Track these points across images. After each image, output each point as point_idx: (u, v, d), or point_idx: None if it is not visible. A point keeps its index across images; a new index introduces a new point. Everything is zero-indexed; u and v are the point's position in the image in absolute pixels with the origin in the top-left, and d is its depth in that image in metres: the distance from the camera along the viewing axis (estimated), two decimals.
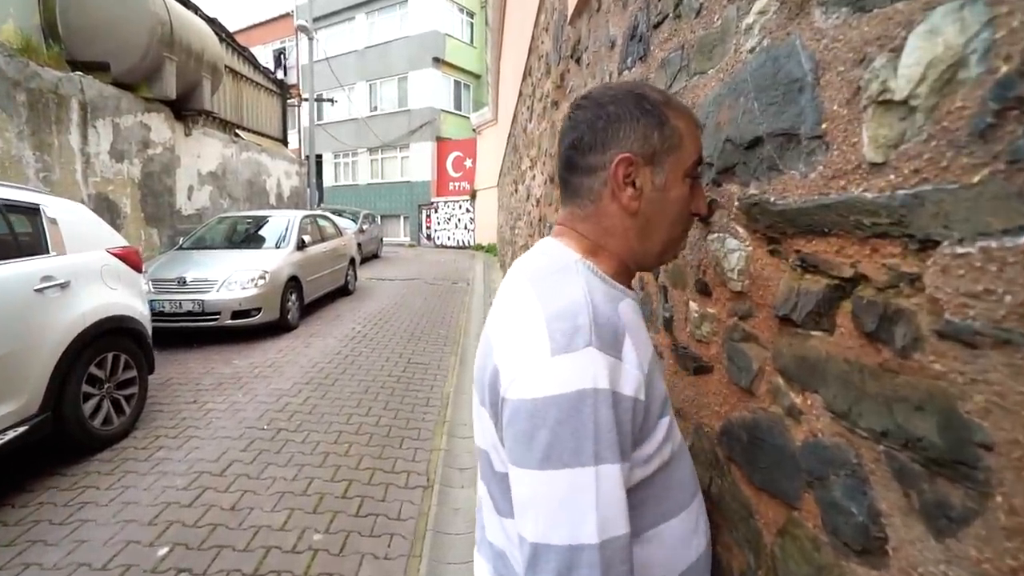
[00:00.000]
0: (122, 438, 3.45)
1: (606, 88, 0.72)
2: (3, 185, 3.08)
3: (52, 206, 3.22)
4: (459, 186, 20.66)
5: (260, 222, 7.47)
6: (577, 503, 0.55)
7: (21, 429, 2.74)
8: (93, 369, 3.26)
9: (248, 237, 7.21)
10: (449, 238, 20.71)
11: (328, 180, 24.25)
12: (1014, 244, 0.36)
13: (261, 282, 5.97)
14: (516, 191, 6.51)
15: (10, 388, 2.69)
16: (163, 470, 3.07)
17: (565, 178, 0.75)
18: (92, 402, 3.26)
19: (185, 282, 5.76)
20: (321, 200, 21.77)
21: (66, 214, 3.31)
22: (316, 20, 21.38)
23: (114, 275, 3.52)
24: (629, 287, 0.74)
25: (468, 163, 20.21)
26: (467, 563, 2.35)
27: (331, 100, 18.23)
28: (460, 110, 21.89)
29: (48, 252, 3.06)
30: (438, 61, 20.57)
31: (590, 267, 0.69)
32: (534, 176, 4.22)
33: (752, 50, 0.72)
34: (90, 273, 3.29)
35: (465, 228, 20.34)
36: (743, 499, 0.76)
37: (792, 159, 0.62)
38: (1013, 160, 0.36)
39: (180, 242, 7.09)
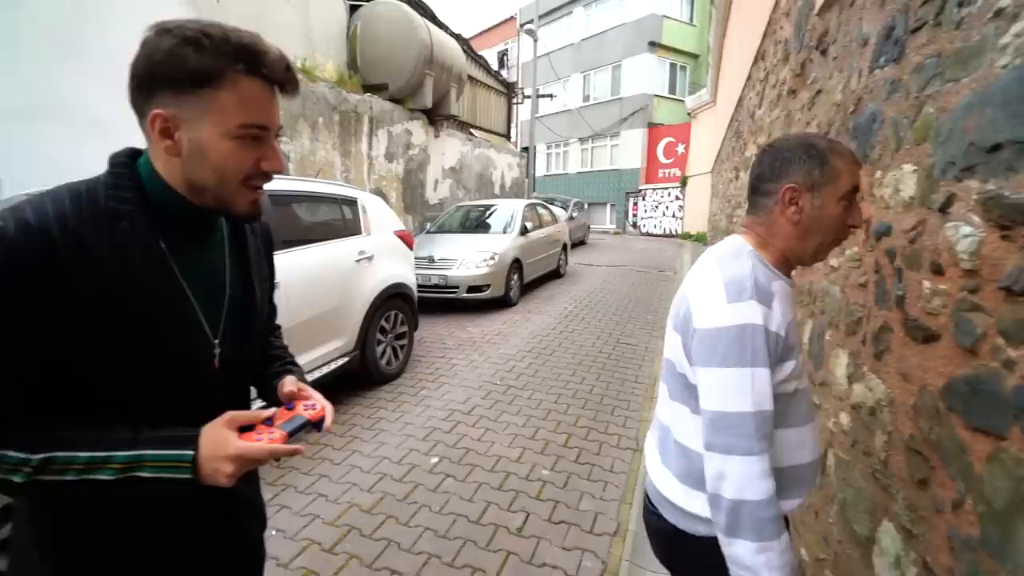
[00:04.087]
0: (397, 378, 4.48)
1: (786, 139, 1.05)
2: (339, 184, 4.25)
3: (363, 198, 4.33)
4: (669, 173, 20.16)
5: (489, 210, 8.54)
6: (741, 388, 0.90)
7: (343, 360, 3.82)
8: (382, 322, 4.31)
9: (479, 223, 8.30)
10: (655, 226, 20.42)
11: (540, 170, 25.75)
12: None
13: (491, 262, 6.90)
14: (736, 178, 6.30)
15: (339, 330, 3.77)
16: (427, 405, 3.95)
17: (751, 197, 1.09)
18: (380, 347, 4.31)
19: (433, 260, 6.96)
20: (534, 189, 23.32)
21: (371, 204, 4.40)
22: (538, 19, 22.80)
23: (397, 251, 4.56)
24: (787, 272, 1.06)
25: (680, 149, 19.58)
26: None
27: (550, 95, 19.34)
28: (675, 93, 21.23)
29: (362, 233, 4.15)
30: (654, 45, 20.22)
31: (757, 256, 1.02)
32: None
33: (1005, 67, 0.84)
34: (384, 249, 4.34)
35: (673, 216, 19.82)
36: (959, 441, 0.89)
37: (1022, 162, 0.75)
38: None
39: (427, 227, 8.53)
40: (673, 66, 21.33)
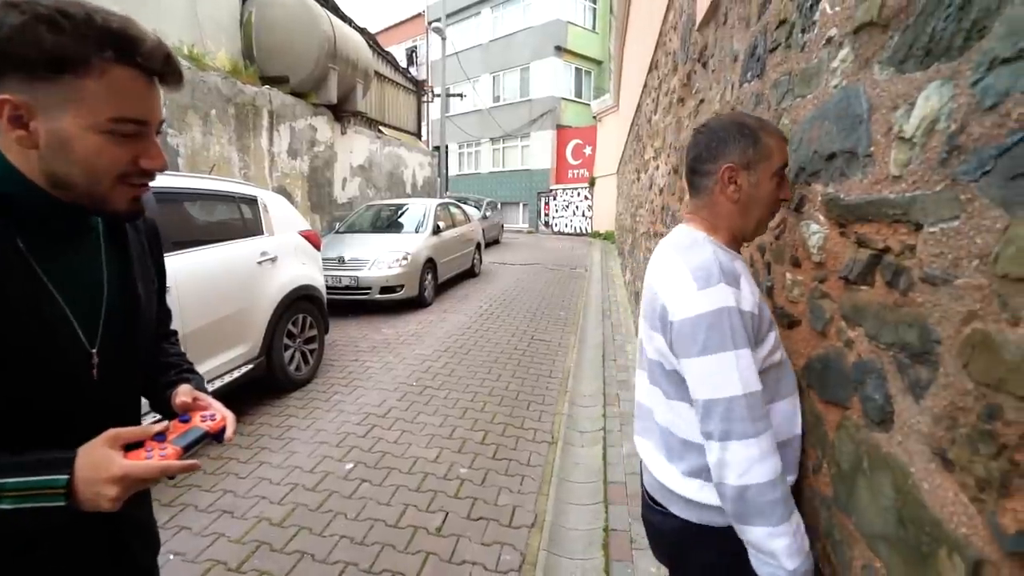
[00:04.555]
0: (307, 383, 4.30)
1: (719, 119, 1.08)
2: (237, 182, 4.00)
3: (265, 197, 4.10)
4: (578, 173, 20.88)
5: (401, 209, 8.39)
6: (727, 372, 0.90)
7: (247, 368, 3.60)
8: (290, 326, 4.11)
9: (391, 223, 8.14)
10: (567, 225, 21.06)
11: (452, 169, 25.69)
12: (950, 226, 0.64)
13: (404, 262, 6.80)
14: (638, 179, 6.68)
15: (242, 335, 3.56)
16: (340, 409, 3.83)
17: (691, 180, 1.11)
18: (288, 352, 4.12)
19: (343, 261, 6.74)
20: (447, 189, 23.24)
21: (273, 203, 4.18)
22: (445, 17, 22.71)
23: (303, 252, 4.37)
24: (739, 251, 1.10)
25: (587, 150, 20.34)
26: (585, 505, 2.73)
27: (460, 95, 19.32)
28: (580, 97, 22.01)
29: (264, 233, 3.93)
30: (560, 49, 20.82)
31: (712, 240, 1.04)
32: (658, 166, 4.42)
33: (836, 86, 0.98)
34: (289, 250, 4.15)
35: (583, 215, 20.55)
36: (816, 412, 1.04)
37: (854, 169, 0.89)
38: (953, 179, 0.64)
39: (336, 227, 8.23)
40: (579, 71, 22.12)
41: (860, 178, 0.87)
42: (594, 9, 22.19)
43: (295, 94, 7.60)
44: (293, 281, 4.11)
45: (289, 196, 7.52)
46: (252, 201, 3.95)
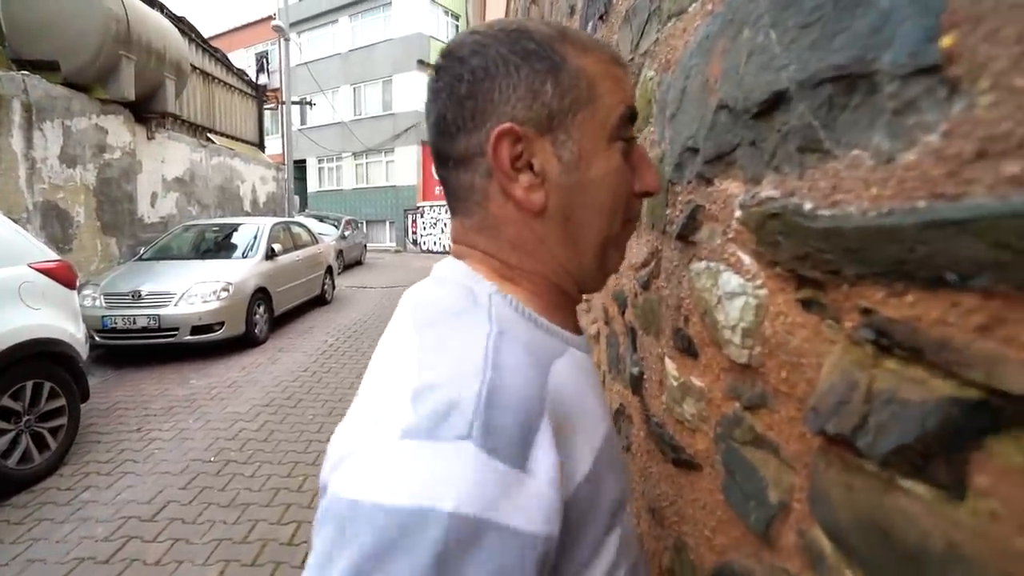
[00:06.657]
0: (46, 476, 3.07)
1: (471, 32, 0.47)
2: None
3: None
4: None
5: (228, 231, 7.10)
6: None
7: None
8: (6, 401, 2.88)
9: (215, 246, 6.85)
10: (435, 243, 20.33)
11: (312, 186, 23.87)
12: None
13: (224, 294, 5.59)
14: None
15: None
16: (84, 515, 2.70)
17: (441, 175, 0.50)
18: (6, 439, 2.88)
19: (140, 296, 5.36)
20: (305, 206, 21.36)
21: None
22: (299, 23, 21.04)
23: (36, 293, 3.14)
24: (574, 322, 0.49)
25: None
26: None
27: (310, 103, 17.81)
28: None
29: None
30: (423, 64, 20.24)
31: (511, 302, 0.43)
32: None
33: None
34: (3, 292, 2.92)
35: None
36: None
37: (855, 126, 0.29)
38: None
39: (141, 252, 6.70)
40: None
41: (888, 149, 0.27)
42: (456, 26, 21.99)
43: (71, 85, 6.02)
44: (12, 336, 2.89)
45: (65, 214, 5.92)
46: None
